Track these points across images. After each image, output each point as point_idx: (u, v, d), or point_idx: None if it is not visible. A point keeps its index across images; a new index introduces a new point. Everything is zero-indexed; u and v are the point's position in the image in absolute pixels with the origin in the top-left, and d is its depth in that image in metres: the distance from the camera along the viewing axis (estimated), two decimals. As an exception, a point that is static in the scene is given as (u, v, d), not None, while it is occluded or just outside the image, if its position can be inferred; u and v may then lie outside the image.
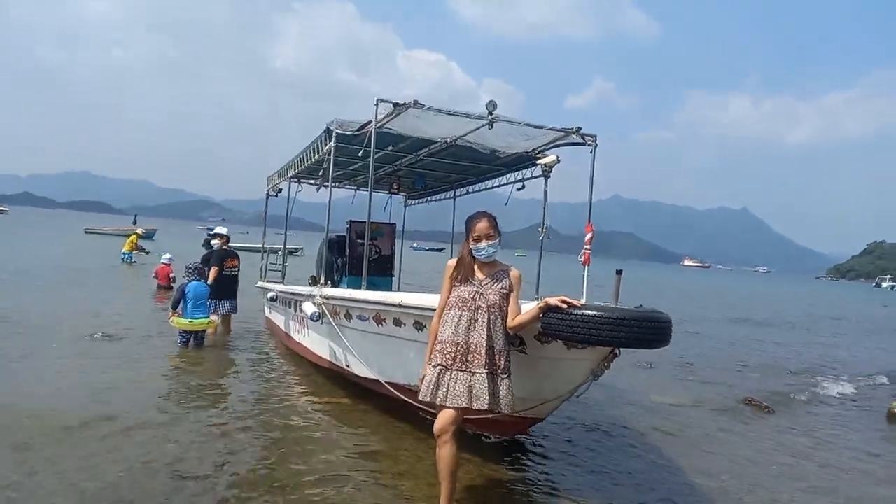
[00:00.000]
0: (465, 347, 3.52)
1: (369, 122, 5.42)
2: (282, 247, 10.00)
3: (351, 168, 8.05)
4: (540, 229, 6.82)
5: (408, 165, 7.92)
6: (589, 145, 5.81)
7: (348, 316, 5.51)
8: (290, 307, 7.80)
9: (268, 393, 6.24)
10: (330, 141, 6.02)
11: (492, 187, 8.21)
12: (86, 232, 45.71)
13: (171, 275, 14.71)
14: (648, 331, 3.40)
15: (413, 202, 10.70)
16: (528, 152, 6.58)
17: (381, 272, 8.52)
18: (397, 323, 4.81)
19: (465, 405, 3.47)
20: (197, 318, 8.05)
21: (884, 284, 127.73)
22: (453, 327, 3.57)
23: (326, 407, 5.83)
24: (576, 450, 5.11)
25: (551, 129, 5.71)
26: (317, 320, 5.78)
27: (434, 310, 3.89)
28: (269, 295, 8.40)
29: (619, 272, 3.72)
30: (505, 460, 4.66)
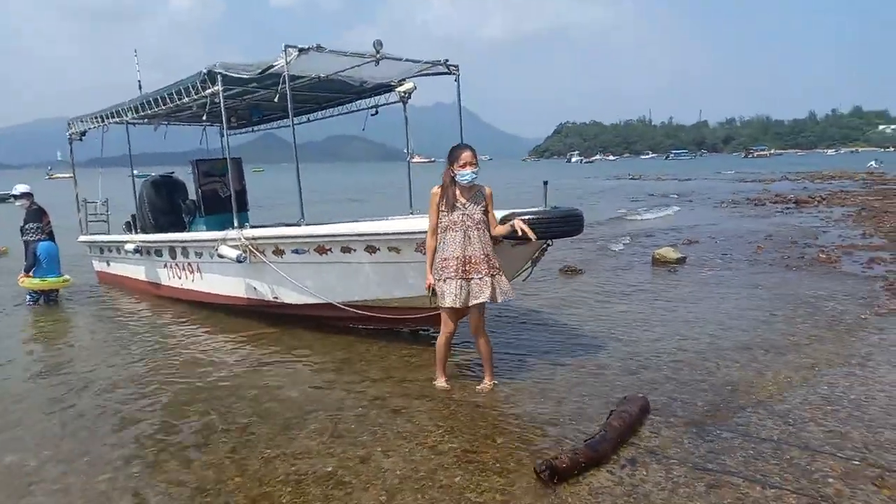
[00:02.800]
0: (465, 259, 4.44)
1: (270, 66, 5.68)
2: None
3: (196, 107, 7.78)
4: (405, 150, 7.73)
5: (258, 99, 7.98)
6: (454, 74, 6.80)
7: (279, 252, 5.96)
8: (162, 255, 7.69)
9: (188, 340, 6.45)
10: (215, 84, 6.07)
11: (338, 114, 8.72)
12: None
13: None
14: (573, 223, 4.77)
15: (233, 133, 10.52)
16: (391, 82, 7.31)
17: (238, 209, 8.59)
18: (346, 250, 5.51)
19: (475, 302, 4.49)
20: (50, 278, 8.07)
21: (573, 160, 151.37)
22: (455, 245, 4.45)
23: (258, 337, 6.34)
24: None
25: (425, 62, 6.56)
26: (243, 261, 6.09)
27: (396, 233, 4.86)
28: (130, 247, 7.98)
29: (545, 183, 4.94)
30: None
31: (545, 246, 4.94)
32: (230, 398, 4.74)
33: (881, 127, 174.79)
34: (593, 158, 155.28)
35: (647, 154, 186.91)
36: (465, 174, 4.43)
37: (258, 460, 3.70)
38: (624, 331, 6.08)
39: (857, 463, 3.38)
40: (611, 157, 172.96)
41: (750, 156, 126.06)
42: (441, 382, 4.76)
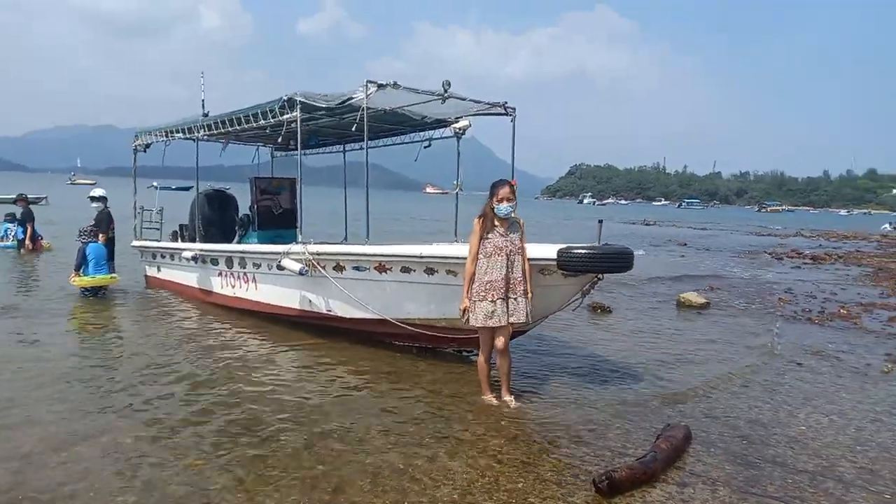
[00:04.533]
0: (507, 281, 4.92)
1: (349, 98, 6.17)
2: None
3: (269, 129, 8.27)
4: (454, 182, 8.18)
5: (320, 125, 8.45)
6: (510, 115, 7.27)
7: (339, 268, 6.37)
8: (218, 264, 8.14)
9: (240, 344, 6.84)
10: (293, 111, 6.57)
11: (391, 144, 9.20)
12: None
13: None
14: (624, 260, 5.14)
15: (280, 154, 11.06)
16: (448, 118, 7.81)
17: (289, 225, 9.04)
18: (405, 270, 5.91)
19: (519, 320, 4.93)
20: (99, 275, 8.69)
21: (585, 201, 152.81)
22: (500, 268, 4.91)
23: (306, 347, 6.73)
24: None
25: (486, 103, 7.06)
26: (305, 274, 6.49)
27: (456, 258, 5.29)
28: (188, 254, 8.41)
29: (600, 221, 5.35)
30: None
31: (596, 279, 5.31)
32: (291, 399, 5.10)
33: (895, 191, 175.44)
34: (606, 201, 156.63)
35: (660, 201, 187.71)
36: (501, 208, 4.95)
37: (332, 453, 4.05)
38: (657, 367, 6.41)
39: (888, 496, 3.69)
40: (623, 202, 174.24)
41: (763, 210, 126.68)
42: (488, 397, 5.13)
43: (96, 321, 7.79)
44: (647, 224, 46.50)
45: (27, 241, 13.53)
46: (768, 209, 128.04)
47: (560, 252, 5.03)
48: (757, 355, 7.07)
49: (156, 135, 9.29)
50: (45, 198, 32.35)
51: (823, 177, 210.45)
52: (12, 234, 13.82)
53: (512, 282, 4.94)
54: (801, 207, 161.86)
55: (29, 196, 16.25)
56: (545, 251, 5.14)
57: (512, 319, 4.93)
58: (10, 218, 14.10)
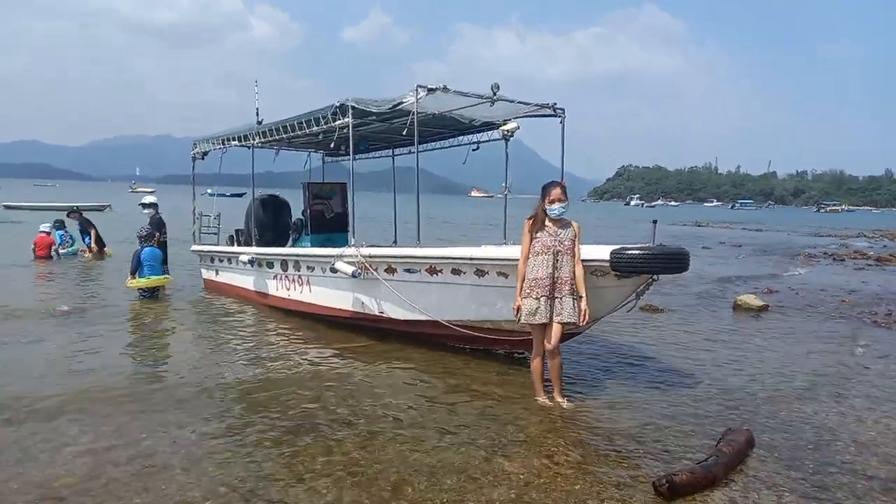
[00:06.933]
0: (554, 280, 4.90)
1: (400, 102, 6.25)
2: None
3: (321, 135, 8.45)
4: (503, 185, 8.18)
5: (370, 130, 8.60)
6: (559, 116, 7.23)
7: (391, 270, 6.46)
8: (273, 267, 8.36)
9: (296, 345, 7.00)
10: (345, 116, 6.69)
11: (437, 148, 9.27)
12: None
13: (55, 246, 13.42)
14: (680, 261, 5.04)
15: (329, 160, 11.27)
16: (496, 121, 7.82)
17: (340, 228, 9.22)
18: (456, 272, 5.94)
19: (564, 321, 4.89)
20: (154, 277, 9.05)
21: (633, 203, 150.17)
22: (546, 266, 4.90)
23: (360, 349, 6.82)
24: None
25: (535, 104, 7.03)
26: (357, 276, 6.60)
27: (506, 260, 5.28)
28: (245, 258, 8.67)
29: (654, 222, 5.26)
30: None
31: (651, 280, 5.22)
32: (346, 399, 5.16)
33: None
34: (654, 203, 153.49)
35: (712, 202, 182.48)
36: (553, 209, 4.95)
37: (389, 452, 4.10)
38: (715, 370, 6.26)
39: (969, 506, 3.51)
40: (672, 203, 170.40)
41: (822, 210, 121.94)
42: (541, 399, 5.10)
43: (157, 322, 8.09)
44: (698, 225, 45.36)
45: (93, 245, 14.21)
46: (827, 209, 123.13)
47: (613, 253, 4.97)
48: (820, 359, 6.82)
49: (213, 143, 9.61)
50: (109, 205, 33.71)
51: (886, 175, 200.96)
52: (67, 240, 14.35)
53: (558, 281, 4.91)
54: (862, 207, 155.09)
55: (87, 204, 17.07)
56: (598, 252, 5.08)
57: (557, 319, 4.90)
58: (59, 225, 14.50)
